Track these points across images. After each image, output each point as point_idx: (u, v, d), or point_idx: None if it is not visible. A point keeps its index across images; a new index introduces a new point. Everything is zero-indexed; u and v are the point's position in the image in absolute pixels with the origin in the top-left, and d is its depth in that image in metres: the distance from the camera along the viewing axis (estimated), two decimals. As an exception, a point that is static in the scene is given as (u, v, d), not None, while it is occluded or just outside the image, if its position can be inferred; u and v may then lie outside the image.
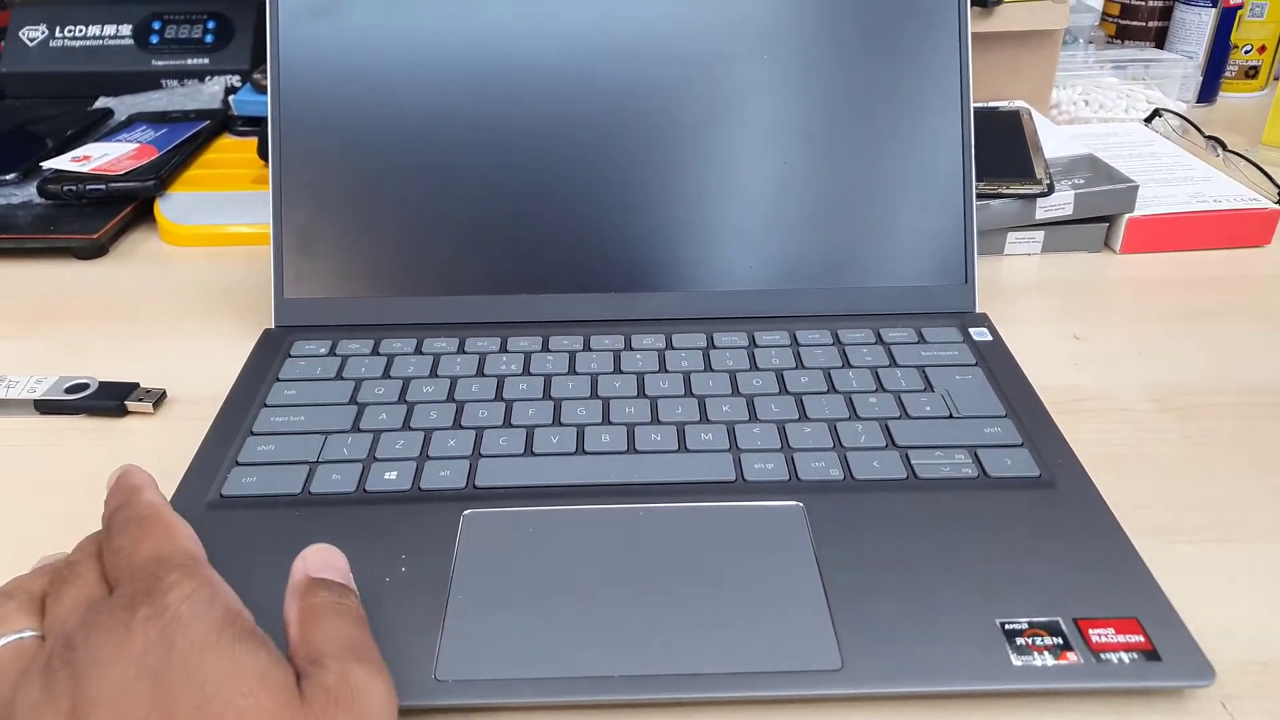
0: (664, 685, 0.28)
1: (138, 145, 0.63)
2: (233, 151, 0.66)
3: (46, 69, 0.78)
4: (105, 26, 0.79)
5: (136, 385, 0.43)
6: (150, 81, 0.77)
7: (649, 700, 0.29)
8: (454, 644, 0.29)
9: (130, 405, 0.42)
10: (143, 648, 0.23)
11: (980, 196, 0.53)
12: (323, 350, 0.43)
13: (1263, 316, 0.50)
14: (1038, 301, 0.52)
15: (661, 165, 0.46)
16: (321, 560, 0.29)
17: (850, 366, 0.42)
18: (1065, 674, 0.29)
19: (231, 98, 0.69)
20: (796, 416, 0.39)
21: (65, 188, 0.58)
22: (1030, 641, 0.30)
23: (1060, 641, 0.30)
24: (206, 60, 0.78)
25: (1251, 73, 0.82)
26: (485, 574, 0.32)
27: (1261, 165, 0.64)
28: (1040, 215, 0.55)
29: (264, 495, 0.35)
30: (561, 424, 0.39)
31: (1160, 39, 0.82)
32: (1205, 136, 0.69)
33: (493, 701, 0.28)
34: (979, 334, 0.45)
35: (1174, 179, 0.60)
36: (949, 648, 0.29)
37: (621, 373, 0.42)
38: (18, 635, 0.26)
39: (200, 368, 0.46)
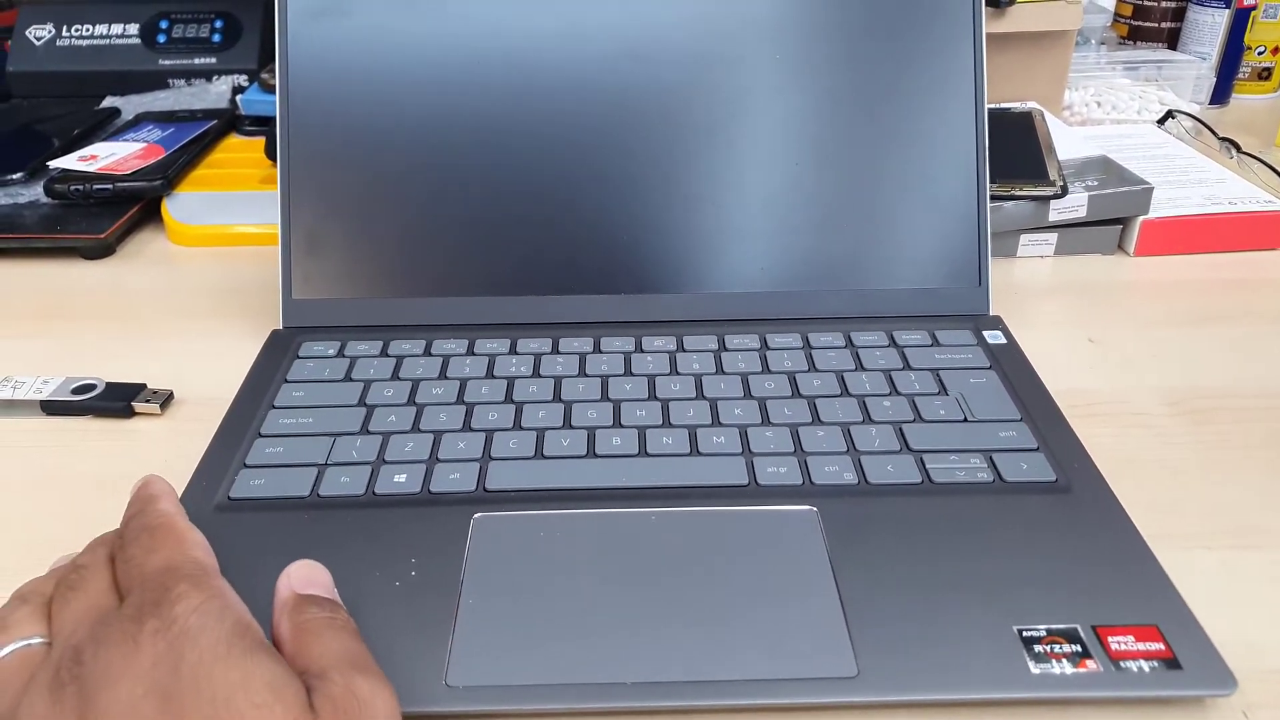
0: (677, 692, 0.28)
1: (145, 145, 0.63)
2: (240, 151, 0.66)
3: (53, 68, 0.78)
4: (112, 26, 0.79)
5: (144, 386, 0.42)
6: (157, 81, 0.77)
7: (662, 708, 0.28)
8: (465, 649, 0.29)
9: (137, 406, 0.41)
10: (151, 661, 0.23)
11: (993, 198, 0.52)
12: (331, 351, 0.43)
13: (1278, 320, 0.49)
14: (1051, 304, 0.51)
15: (671, 166, 0.46)
16: (306, 576, 0.28)
17: (863, 369, 0.42)
18: (1084, 682, 0.28)
19: (239, 97, 0.69)
20: (809, 420, 0.39)
21: (72, 187, 0.57)
22: (1049, 649, 0.29)
23: (1079, 649, 0.29)
24: (214, 60, 0.77)
25: (1265, 74, 0.81)
26: (496, 578, 0.31)
27: (1276, 167, 0.63)
28: (1054, 217, 0.54)
29: (272, 498, 0.35)
30: (572, 426, 0.38)
31: (1173, 40, 0.81)
32: (1219, 138, 0.68)
33: (504, 708, 0.28)
34: (993, 337, 0.45)
35: (1188, 181, 0.60)
36: (966, 655, 0.29)
37: (632, 375, 0.42)
38: (25, 642, 0.25)
39: (207, 368, 0.45)
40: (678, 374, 0.42)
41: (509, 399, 0.40)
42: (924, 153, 0.46)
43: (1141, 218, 0.55)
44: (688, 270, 0.46)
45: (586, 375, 0.42)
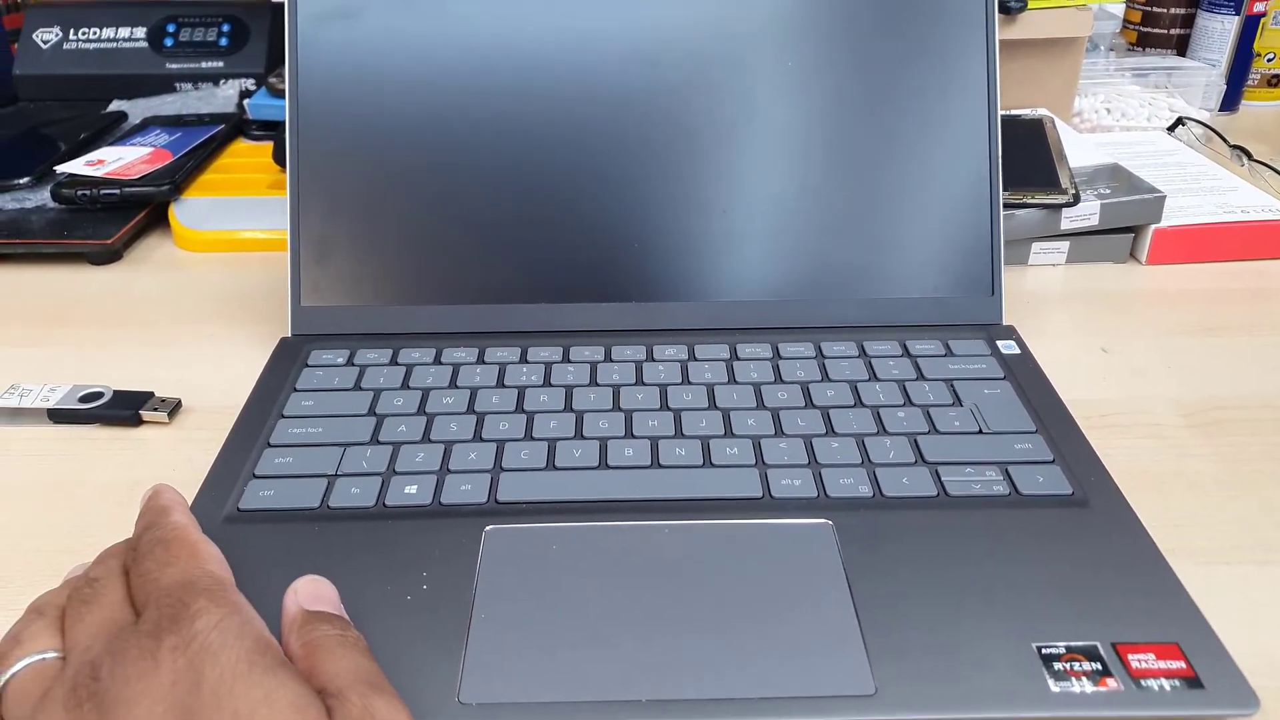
0: (693, 710, 0.28)
1: (152, 149, 0.62)
2: (247, 156, 0.66)
3: (60, 71, 0.78)
4: (119, 29, 0.78)
5: (151, 394, 0.42)
6: (164, 85, 0.77)
7: (678, 725, 0.28)
8: (477, 666, 0.29)
9: (145, 415, 0.41)
10: (171, 678, 0.23)
11: (1005, 206, 0.52)
12: (340, 360, 0.43)
13: (1293, 330, 0.49)
14: (1064, 313, 0.51)
15: (683, 173, 0.46)
16: (313, 592, 0.28)
17: (877, 379, 0.42)
18: (1105, 701, 0.28)
19: (246, 102, 0.69)
20: (823, 431, 0.38)
21: (79, 192, 0.57)
22: (1068, 667, 0.29)
23: (1099, 667, 0.29)
24: (220, 63, 0.77)
25: (1274, 81, 0.81)
26: (509, 593, 0.31)
27: (1288, 175, 0.63)
28: (1066, 225, 0.54)
29: (282, 509, 0.34)
30: (584, 437, 0.38)
31: (1182, 46, 0.81)
32: (1230, 146, 0.68)
33: (518, 725, 0.28)
34: (1007, 347, 0.44)
35: (1200, 189, 0.59)
36: (985, 672, 0.29)
37: (644, 384, 0.41)
38: (40, 656, 0.25)
39: (215, 376, 0.45)
40: (689, 383, 0.41)
41: (520, 408, 0.40)
42: (937, 160, 0.46)
43: (1154, 226, 0.55)
44: (699, 278, 0.45)
45: (598, 384, 0.41)
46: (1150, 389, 0.45)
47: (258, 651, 0.24)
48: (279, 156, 0.61)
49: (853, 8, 0.46)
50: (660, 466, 0.37)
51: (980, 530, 0.34)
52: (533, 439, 0.38)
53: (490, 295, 0.45)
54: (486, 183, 0.45)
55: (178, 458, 0.40)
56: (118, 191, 0.57)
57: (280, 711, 0.22)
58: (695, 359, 0.43)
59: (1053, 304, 0.52)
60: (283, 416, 0.39)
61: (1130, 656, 0.29)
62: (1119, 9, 0.82)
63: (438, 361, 0.43)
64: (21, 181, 0.60)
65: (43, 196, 0.59)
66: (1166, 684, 0.28)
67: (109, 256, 0.56)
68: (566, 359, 0.43)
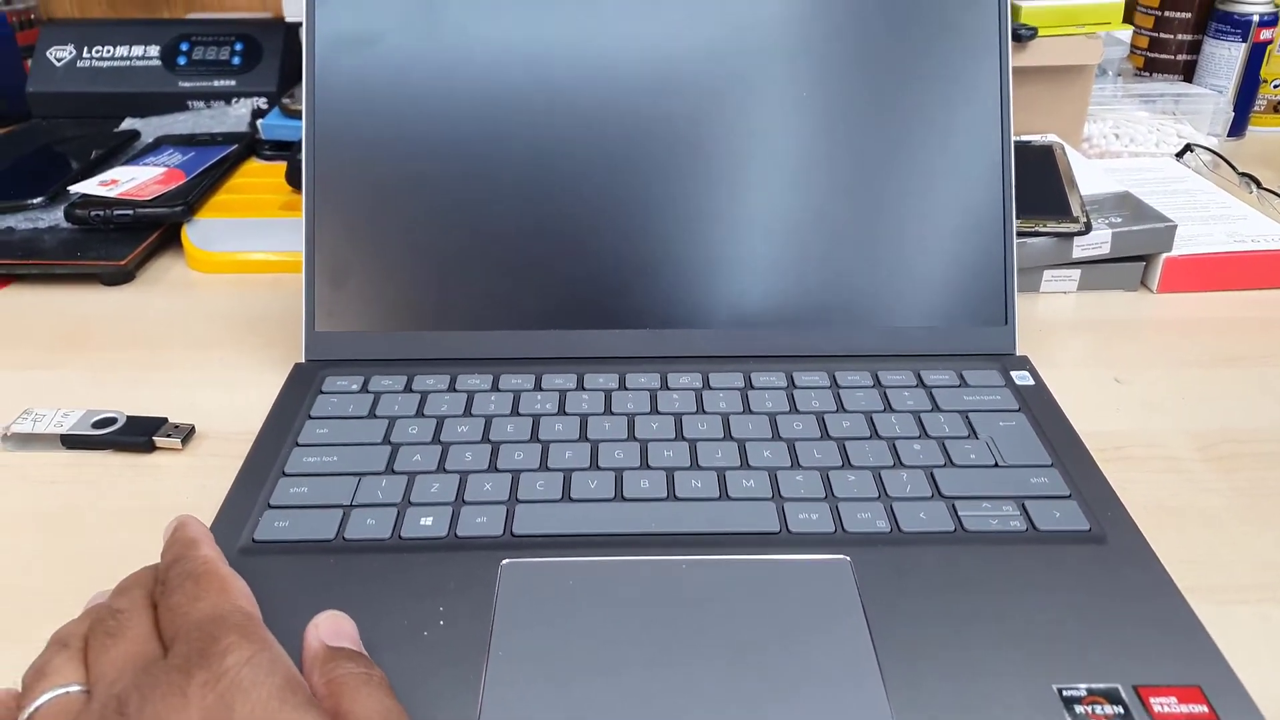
0: (713, 751, 0.27)
1: (165, 169, 0.63)
2: (260, 176, 0.66)
3: (73, 89, 0.78)
4: (133, 47, 0.79)
5: (165, 420, 0.42)
6: (176, 103, 0.77)
7: (697, 766, 0.28)
8: (495, 702, 0.28)
9: (159, 441, 0.41)
10: (200, 714, 0.22)
11: (1018, 234, 0.52)
12: (355, 386, 0.43)
13: (1307, 362, 0.49)
14: (1076, 342, 0.51)
15: (698, 200, 0.46)
16: (334, 628, 0.28)
17: (892, 410, 0.42)
18: (1128, 745, 0.28)
19: (260, 122, 0.69)
20: (840, 463, 0.38)
21: (93, 213, 0.57)
22: (1090, 710, 0.29)
23: (1121, 711, 0.28)
24: (233, 82, 0.78)
25: (1281, 107, 0.81)
26: (526, 629, 0.31)
27: (1298, 204, 0.63)
28: (1077, 254, 0.54)
29: (297, 541, 0.34)
30: (599, 468, 0.38)
31: (1188, 72, 0.81)
32: (1239, 173, 0.68)
33: (536, 766, 0.27)
34: (1020, 378, 0.44)
35: (1210, 217, 0.59)
36: (1006, 714, 0.28)
37: (659, 413, 0.41)
38: (64, 689, 0.25)
39: (229, 401, 0.45)
40: (705, 413, 0.41)
41: (535, 438, 0.40)
42: (950, 189, 0.46)
43: (1165, 255, 0.55)
44: (713, 305, 0.46)
45: (612, 413, 0.41)
46: (1164, 421, 0.45)
47: (288, 689, 0.23)
48: (292, 177, 0.61)
49: (867, 37, 0.46)
50: (676, 499, 0.36)
51: (998, 567, 0.34)
52: (548, 469, 0.38)
53: (504, 321, 0.45)
54: (502, 209, 0.45)
55: (191, 485, 0.40)
56: (131, 212, 0.58)
57: None
58: (710, 387, 0.43)
59: (1065, 333, 0.52)
60: (297, 444, 0.39)
61: (1152, 700, 0.29)
62: (1126, 34, 0.82)
63: (452, 388, 0.43)
64: (35, 201, 0.60)
65: (56, 216, 0.59)
66: (1189, 728, 0.28)
67: (122, 277, 0.56)
68: (581, 386, 0.43)
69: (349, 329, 0.45)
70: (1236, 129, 0.80)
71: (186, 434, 0.42)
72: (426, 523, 0.35)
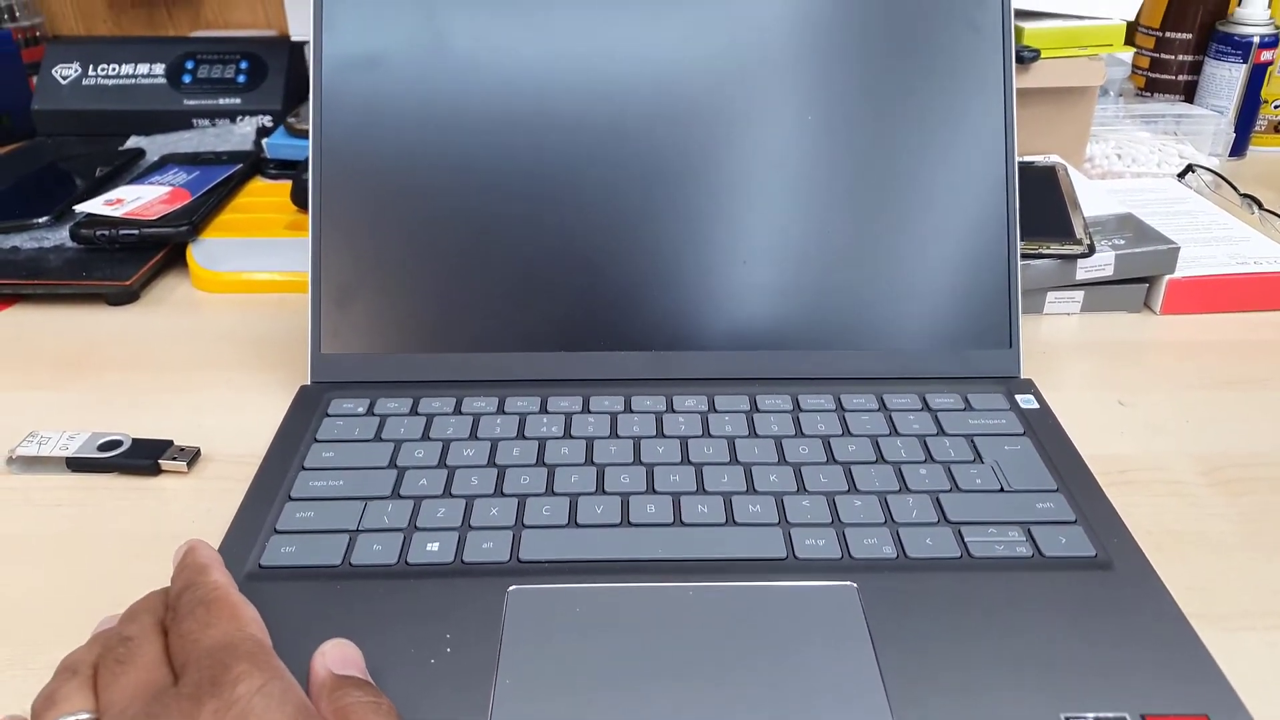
0: (721, 782, 0.27)
1: (170, 188, 0.63)
2: (265, 195, 0.66)
3: (78, 106, 0.79)
4: (138, 65, 0.79)
5: (170, 443, 0.42)
6: (182, 121, 0.78)
7: (705, 797, 0.28)
8: (503, 733, 0.28)
9: (164, 464, 0.41)
10: None
11: (1022, 256, 0.52)
12: (361, 409, 0.43)
13: (1310, 385, 0.49)
14: (1080, 364, 0.51)
15: (703, 223, 0.46)
16: (341, 656, 0.28)
17: (898, 434, 0.42)
18: (1137, 776, 0.28)
19: (265, 141, 0.69)
20: (846, 488, 0.38)
21: (98, 232, 0.57)
22: (1098, 739, 0.29)
23: (1130, 740, 0.28)
24: (238, 100, 0.78)
25: (1282, 127, 0.82)
26: (533, 658, 0.31)
27: (1299, 225, 0.63)
28: (1081, 276, 0.54)
29: (303, 566, 0.34)
30: (605, 492, 0.38)
31: (1189, 92, 0.82)
32: (1240, 194, 0.68)
33: (544, 797, 0.27)
34: (1025, 401, 0.44)
35: (1212, 239, 0.60)
36: (1015, 745, 0.28)
37: (664, 437, 0.41)
38: (75, 717, 0.25)
39: (234, 423, 0.45)
40: (710, 436, 0.41)
41: (540, 461, 0.40)
42: (955, 212, 0.46)
43: (1168, 277, 0.55)
44: (718, 328, 0.46)
45: (618, 436, 0.41)
46: (1169, 444, 0.45)
47: (300, 718, 0.23)
48: (297, 197, 0.61)
49: (872, 60, 0.46)
50: (683, 524, 0.36)
51: (1004, 594, 0.34)
52: (554, 494, 0.38)
53: (510, 343, 0.45)
54: (508, 231, 0.46)
55: (197, 509, 0.39)
56: (136, 232, 0.58)
57: None
58: (716, 410, 0.43)
59: (1069, 354, 0.52)
60: (303, 468, 0.39)
61: (1160, 729, 0.29)
62: (1128, 55, 0.83)
63: (458, 411, 0.43)
64: (40, 221, 0.60)
65: (61, 236, 0.60)
66: (1198, 759, 0.28)
67: (127, 297, 0.56)
68: (587, 409, 0.43)
69: (354, 351, 0.45)
70: (1238, 149, 0.80)
71: (192, 457, 0.42)
72: (433, 548, 0.35)
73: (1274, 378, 0.50)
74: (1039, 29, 0.65)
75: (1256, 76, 0.77)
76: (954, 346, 0.46)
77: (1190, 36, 0.80)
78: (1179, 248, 0.55)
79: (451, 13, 0.46)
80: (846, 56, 0.46)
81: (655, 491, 0.38)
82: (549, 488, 0.38)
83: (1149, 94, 0.84)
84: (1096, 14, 0.66)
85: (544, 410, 0.43)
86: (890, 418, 0.43)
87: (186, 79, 0.79)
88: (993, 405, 0.44)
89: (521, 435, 0.41)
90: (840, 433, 0.42)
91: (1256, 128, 0.81)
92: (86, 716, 0.25)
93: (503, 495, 0.38)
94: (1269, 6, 0.76)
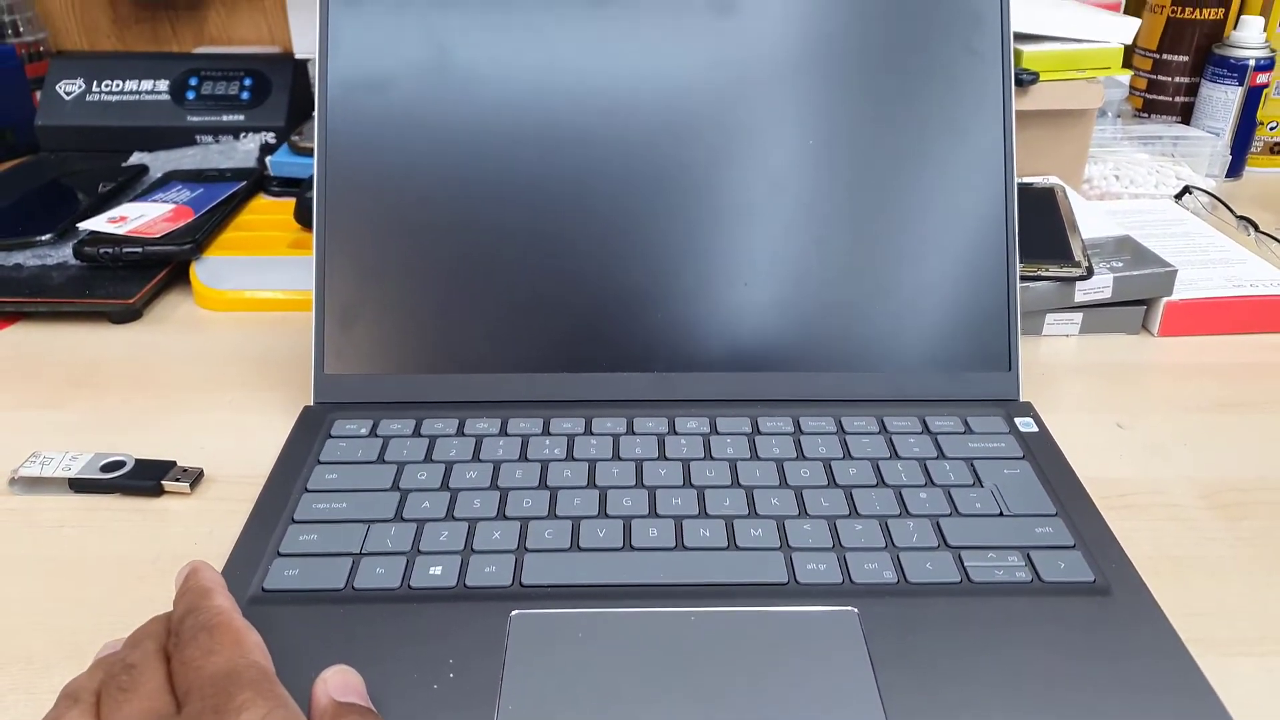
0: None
1: (174, 206, 0.63)
2: (268, 213, 0.67)
3: (82, 123, 0.79)
4: (142, 81, 0.80)
5: (174, 464, 0.42)
6: (185, 137, 0.78)
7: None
8: (506, 760, 0.28)
9: (167, 485, 0.41)
10: None
11: (1020, 278, 0.52)
12: (364, 430, 0.43)
13: (1307, 408, 0.50)
14: (1079, 386, 0.51)
15: (705, 245, 0.46)
16: (342, 683, 0.28)
17: (898, 457, 0.42)
18: (1137, 805, 0.28)
19: (269, 159, 0.70)
20: (847, 512, 0.39)
21: (102, 250, 0.58)
22: (1099, 768, 0.29)
23: (1129, 769, 0.29)
24: (241, 117, 0.78)
25: (1277, 149, 0.82)
26: (535, 683, 0.31)
27: (1295, 247, 0.64)
28: (1079, 298, 0.55)
29: (307, 590, 0.34)
30: (607, 515, 0.38)
31: (1186, 113, 0.82)
32: (1236, 216, 0.69)
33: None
34: (1024, 424, 0.45)
35: (1209, 260, 0.60)
36: (1015, 773, 0.28)
37: (666, 459, 0.41)
38: None
39: (237, 444, 0.45)
40: (712, 459, 0.42)
41: (543, 484, 0.40)
42: (955, 236, 0.47)
43: (1165, 299, 0.56)
44: (719, 349, 0.46)
45: (620, 459, 0.41)
46: (1167, 468, 0.45)
47: (304, 750, 0.23)
48: (300, 215, 0.62)
49: (873, 85, 0.47)
50: (685, 548, 0.37)
51: (1004, 619, 0.34)
52: (556, 517, 0.38)
53: (513, 363, 0.45)
54: (511, 252, 0.46)
55: (200, 530, 0.40)
56: (140, 250, 0.58)
57: None
58: (717, 432, 0.43)
59: (1067, 376, 0.52)
60: (306, 490, 0.39)
61: (1160, 758, 0.29)
62: (1126, 76, 0.83)
63: (460, 433, 0.43)
64: (44, 238, 0.60)
65: (64, 253, 0.60)
66: (1197, 788, 0.28)
67: (130, 316, 0.56)
68: (589, 431, 0.43)
69: (358, 371, 0.45)
70: (1234, 170, 0.81)
71: (195, 478, 0.42)
72: (435, 572, 0.35)
73: (1270, 401, 0.50)
74: (1038, 52, 0.66)
75: (1252, 99, 0.78)
76: (954, 369, 0.46)
77: (1187, 59, 0.81)
78: (1176, 270, 0.55)
79: (456, 34, 0.46)
80: (848, 80, 0.47)
81: (657, 515, 0.38)
82: (551, 510, 0.38)
83: (1147, 114, 0.85)
84: (1095, 38, 0.67)
85: (546, 432, 0.43)
86: (890, 440, 0.43)
87: (190, 95, 0.79)
88: (992, 428, 0.44)
89: (524, 457, 0.41)
90: (841, 455, 0.42)
91: (1252, 149, 0.82)
92: None
93: (505, 518, 0.38)
94: (1264, 30, 0.77)
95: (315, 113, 0.46)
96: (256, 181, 0.70)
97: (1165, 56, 0.82)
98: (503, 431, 0.43)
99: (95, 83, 0.80)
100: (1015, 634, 0.33)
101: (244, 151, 0.75)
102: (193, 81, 0.80)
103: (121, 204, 0.64)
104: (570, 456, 0.42)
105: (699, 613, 0.34)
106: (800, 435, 0.43)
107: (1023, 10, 0.66)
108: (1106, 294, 0.55)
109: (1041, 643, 0.33)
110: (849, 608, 0.34)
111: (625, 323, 0.46)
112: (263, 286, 0.58)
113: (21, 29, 0.88)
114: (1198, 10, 0.79)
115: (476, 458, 0.41)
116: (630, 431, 0.43)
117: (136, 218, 0.61)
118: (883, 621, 0.34)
